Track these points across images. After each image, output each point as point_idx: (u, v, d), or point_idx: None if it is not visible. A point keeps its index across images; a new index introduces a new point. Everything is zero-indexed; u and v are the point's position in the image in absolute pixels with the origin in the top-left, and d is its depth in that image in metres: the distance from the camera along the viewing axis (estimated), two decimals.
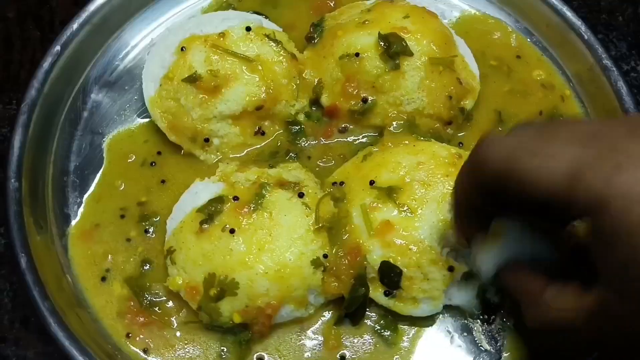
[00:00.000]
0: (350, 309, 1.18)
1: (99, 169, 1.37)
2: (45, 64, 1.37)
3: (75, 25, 1.41)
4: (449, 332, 1.23)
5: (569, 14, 1.47)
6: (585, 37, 1.44)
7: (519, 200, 0.82)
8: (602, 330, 0.82)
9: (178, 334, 1.21)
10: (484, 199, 0.90)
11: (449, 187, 1.19)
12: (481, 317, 1.23)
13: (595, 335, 0.83)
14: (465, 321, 1.23)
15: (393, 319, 1.22)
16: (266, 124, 1.38)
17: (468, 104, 1.40)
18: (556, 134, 0.80)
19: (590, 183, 0.73)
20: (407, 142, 1.30)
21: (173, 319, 1.22)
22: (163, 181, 1.35)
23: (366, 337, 1.21)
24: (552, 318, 0.87)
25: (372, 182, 1.22)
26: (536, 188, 0.78)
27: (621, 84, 1.39)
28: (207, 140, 1.35)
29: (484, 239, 1.01)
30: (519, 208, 0.87)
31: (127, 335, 1.21)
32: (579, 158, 0.75)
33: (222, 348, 1.20)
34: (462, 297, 1.20)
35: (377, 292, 1.19)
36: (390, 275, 1.15)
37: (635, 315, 0.76)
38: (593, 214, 0.74)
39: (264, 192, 1.20)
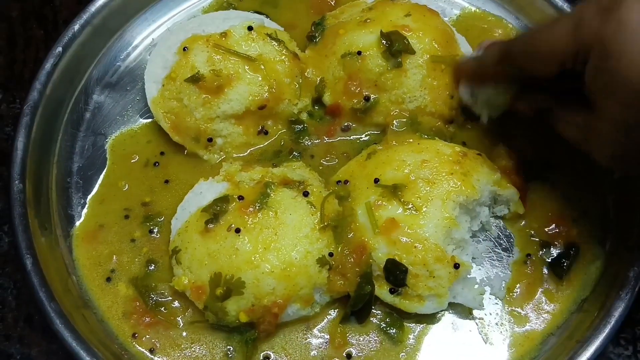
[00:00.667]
0: (356, 307, 1.19)
1: (102, 170, 1.38)
2: (47, 65, 1.37)
3: (76, 26, 1.41)
4: (454, 329, 1.23)
5: (569, 10, 1.47)
6: None
7: (539, 70, 1.06)
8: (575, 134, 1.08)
9: (184, 333, 1.21)
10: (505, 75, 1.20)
11: (454, 185, 1.19)
12: (486, 313, 1.24)
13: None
14: (471, 318, 1.24)
15: (399, 317, 1.22)
16: (269, 123, 1.38)
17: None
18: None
19: (589, 24, 0.93)
20: (411, 140, 1.31)
21: (179, 318, 1.22)
22: (167, 181, 1.35)
23: (372, 334, 1.22)
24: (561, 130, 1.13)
25: (376, 180, 1.22)
26: (550, 51, 1.01)
27: None
28: (210, 140, 1.35)
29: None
30: (542, 70, 1.07)
31: (134, 336, 1.21)
32: (577, 13, 0.96)
33: (228, 347, 1.20)
34: (467, 294, 1.21)
35: (382, 290, 1.19)
36: (396, 273, 1.16)
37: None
38: (592, 47, 0.93)
39: (268, 191, 1.20)
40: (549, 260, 1.27)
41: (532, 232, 1.30)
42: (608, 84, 0.93)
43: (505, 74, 1.19)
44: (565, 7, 1.47)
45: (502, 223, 1.32)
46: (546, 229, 1.30)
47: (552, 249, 1.28)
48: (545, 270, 1.27)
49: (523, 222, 1.31)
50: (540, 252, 1.28)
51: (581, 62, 0.97)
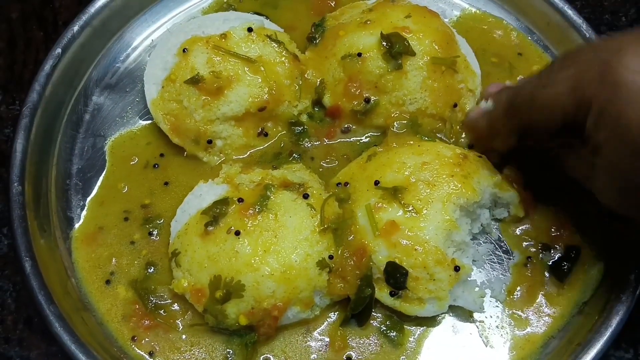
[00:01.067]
0: (356, 309, 1.18)
1: (102, 172, 1.37)
2: (46, 67, 1.36)
3: (75, 28, 1.41)
4: (454, 331, 1.23)
5: (569, 12, 1.47)
6: (587, 35, 1.44)
7: (541, 125, 1.09)
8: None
9: (184, 336, 1.21)
10: (511, 134, 1.20)
11: (454, 187, 1.19)
12: (487, 316, 1.23)
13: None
14: (471, 320, 1.23)
15: (399, 320, 1.22)
16: (269, 125, 1.38)
17: (469, 105, 1.40)
18: (551, 68, 1.08)
19: (588, 86, 0.97)
20: (411, 142, 1.30)
21: (178, 321, 1.22)
22: (166, 183, 1.35)
23: (372, 337, 1.21)
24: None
25: (376, 183, 1.22)
26: (552, 109, 1.04)
27: None
28: (210, 141, 1.35)
29: None
30: (545, 125, 1.09)
31: (133, 339, 1.20)
32: (573, 76, 1.00)
33: (228, 350, 1.20)
34: (468, 297, 1.20)
35: (382, 293, 1.19)
36: (396, 276, 1.15)
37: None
38: (591, 108, 0.97)
39: (268, 193, 1.20)
40: (550, 264, 1.26)
41: (531, 236, 1.30)
42: (608, 137, 0.97)
43: (513, 129, 1.19)
44: (565, 8, 1.47)
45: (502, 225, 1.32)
46: (549, 232, 1.29)
47: (552, 251, 1.27)
48: (546, 273, 1.26)
49: (524, 226, 1.31)
50: (541, 254, 1.27)
51: (582, 116, 1.00)
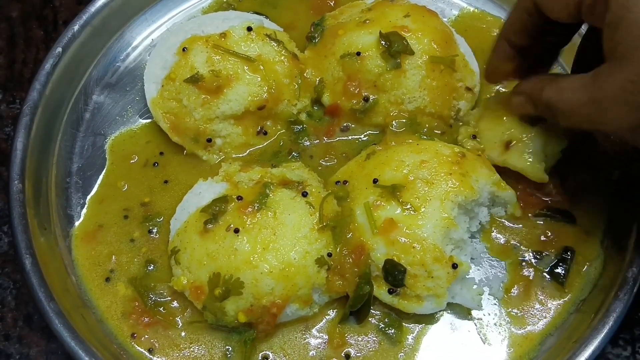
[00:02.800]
0: (354, 307, 1.19)
1: (102, 170, 1.38)
2: (47, 66, 1.37)
3: (76, 27, 1.42)
4: (452, 329, 1.23)
5: None
6: (584, 31, 1.44)
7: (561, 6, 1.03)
8: (601, 97, 0.98)
9: (183, 333, 1.21)
10: (530, 19, 1.12)
11: (452, 185, 1.19)
12: (485, 314, 1.24)
13: (580, 109, 1.02)
14: (469, 318, 1.24)
15: (397, 317, 1.22)
16: (268, 123, 1.39)
17: (468, 104, 1.41)
18: None
19: None
20: (410, 140, 1.31)
21: (178, 318, 1.22)
22: (166, 181, 1.36)
23: (371, 335, 1.22)
24: (566, 97, 1.05)
25: (375, 181, 1.22)
26: None
27: None
28: (209, 140, 1.35)
29: None
30: (560, 8, 1.05)
31: (132, 336, 1.21)
32: None
33: (227, 347, 1.20)
34: (466, 295, 1.21)
35: (381, 290, 1.19)
36: (395, 274, 1.16)
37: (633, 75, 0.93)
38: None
39: (267, 191, 1.20)
40: (547, 270, 1.27)
41: (523, 244, 1.29)
42: (622, 29, 0.92)
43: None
44: None
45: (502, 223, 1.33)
46: (538, 239, 1.29)
47: (545, 257, 1.28)
48: (543, 273, 1.27)
49: (513, 237, 1.31)
50: (534, 261, 1.28)
51: (597, 14, 0.97)
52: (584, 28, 1.18)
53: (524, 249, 1.28)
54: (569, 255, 1.27)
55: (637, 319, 1.28)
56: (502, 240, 1.29)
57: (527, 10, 1.11)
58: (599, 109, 0.99)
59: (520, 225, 1.31)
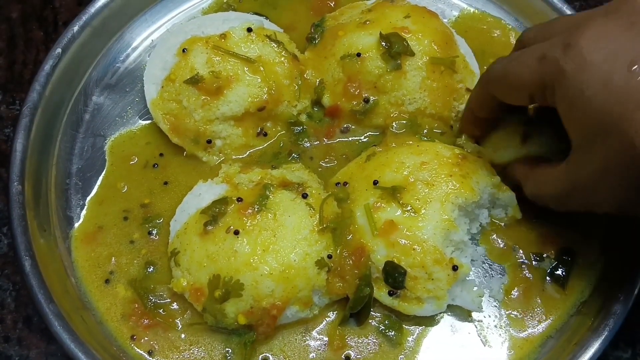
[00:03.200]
0: (355, 309, 1.18)
1: (102, 172, 1.37)
2: (47, 67, 1.37)
3: (75, 28, 1.41)
4: (453, 331, 1.23)
5: (568, 12, 1.47)
6: None
7: (514, 93, 1.10)
8: (578, 188, 1.04)
9: (183, 335, 1.21)
10: (491, 101, 1.18)
11: (453, 187, 1.19)
12: (485, 316, 1.23)
13: (575, 195, 1.06)
14: (470, 320, 1.23)
15: (397, 319, 1.22)
16: (268, 125, 1.39)
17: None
18: (526, 42, 1.13)
19: (551, 60, 0.98)
20: (410, 142, 1.30)
21: (178, 320, 1.22)
22: (166, 183, 1.35)
23: (371, 337, 1.22)
24: (542, 190, 1.13)
25: (375, 182, 1.22)
26: (521, 78, 1.05)
27: None
28: (209, 141, 1.35)
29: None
30: (515, 100, 1.12)
31: (132, 338, 1.21)
32: (541, 48, 1.02)
33: (227, 349, 1.20)
34: (466, 296, 1.21)
35: (381, 292, 1.19)
36: (395, 275, 1.16)
37: (594, 165, 0.98)
38: (557, 82, 0.98)
39: (267, 193, 1.20)
40: (547, 271, 1.26)
41: (521, 247, 1.29)
42: (579, 115, 0.97)
43: (486, 100, 1.21)
44: (564, 8, 1.47)
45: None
46: (537, 241, 1.29)
47: (545, 259, 1.27)
48: (543, 275, 1.26)
49: (512, 241, 1.30)
50: (534, 263, 1.27)
51: (551, 95, 1.01)
52: None
53: (523, 251, 1.28)
54: (569, 257, 1.26)
55: (637, 321, 1.28)
56: (501, 243, 1.29)
57: (488, 95, 1.18)
58: (584, 195, 1.04)
59: (520, 228, 1.30)
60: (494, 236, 1.30)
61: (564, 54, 0.96)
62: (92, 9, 1.43)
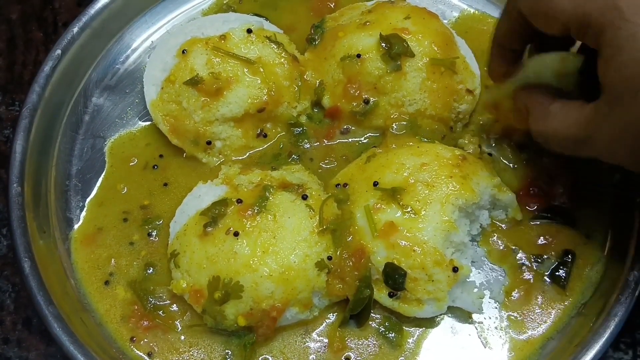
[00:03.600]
0: (354, 310, 1.18)
1: (101, 173, 1.38)
2: (46, 68, 1.37)
3: (75, 29, 1.41)
4: (453, 332, 1.23)
5: None
6: None
7: (548, 20, 1.00)
8: (597, 137, 0.97)
9: (182, 337, 1.21)
10: (522, 29, 1.08)
11: (453, 188, 1.19)
12: (485, 317, 1.23)
13: (591, 142, 0.99)
14: (470, 321, 1.23)
15: (398, 321, 1.22)
16: (268, 126, 1.38)
17: (469, 106, 1.40)
18: None
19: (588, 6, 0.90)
20: (411, 143, 1.30)
21: (177, 322, 1.22)
22: (165, 184, 1.35)
23: (371, 338, 1.21)
24: (556, 128, 1.03)
25: (375, 184, 1.22)
26: (560, 6, 0.95)
27: None
28: (209, 142, 1.35)
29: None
30: (548, 27, 1.02)
31: (132, 339, 1.21)
32: None
33: (226, 351, 1.20)
34: (467, 298, 1.20)
35: (381, 294, 1.19)
36: (395, 277, 1.15)
37: (627, 117, 0.91)
38: (606, 21, 0.89)
39: (267, 194, 1.20)
40: (547, 273, 1.26)
41: (521, 248, 1.29)
42: (626, 64, 0.89)
43: (517, 34, 1.11)
44: None
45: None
46: (537, 242, 1.28)
47: (546, 261, 1.27)
48: (546, 279, 1.26)
49: (511, 243, 1.29)
50: (535, 265, 1.27)
51: (593, 35, 0.93)
52: None
53: (523, 252, 1.28)
54: (569, 258, 1.26)
55: (638, 322, 1.27)
56: (501, 245, 1.29)
57: (516, 19, 1.08)
58: (604, 145, 0.98)
59: (520, 229, 1.29)
60: (494, 238, 1.29)
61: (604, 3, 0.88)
62: (92, 10, 1.43)
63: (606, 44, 0.91)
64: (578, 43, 1.11)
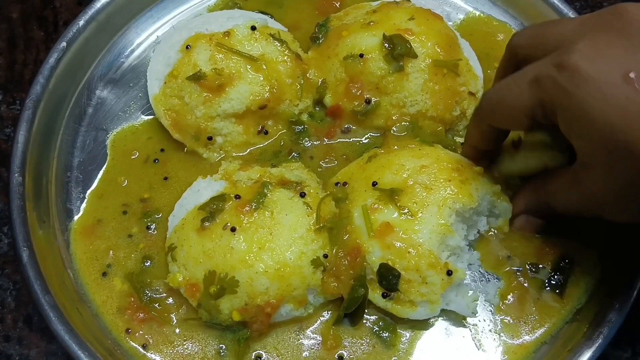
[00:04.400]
0: (349, 309, 1.18)
1: (103, 165, 1.38)
2: (51, 60, 1.38)
3: (81, 22, 1.42)
4: (447, 334, 1.23)
5: (572, 16, 1.47)
6: None
7: (512, 119, 1.09)
8: (577, 200, 1.07)
9: (177, 330, 1.22)
10: (491, 133, 1.18)
11: (451, 192, 1.19)
12: (480, 320, 1.23)
13: (574, 206, 1.09)
14: (464, 324, 1.23)
15: (392, 321, 1.22)
16: (269, 123, 1.39)
17: (470, 109, 1.40)
18: (517, 49, 1.14)
19: (547, 81, 0.97)
20: (413, 145, 1.30)
21: (173, 315, 1.23)
22: (166, 178, 1.36)
23: (365, 337, 1.21)
24: (553, 200, 1.14)
25: (374, 184, 1.22)
26: (518, 103, 1.04)
27: None
28: (210, 138, 1.35)
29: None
30: (514, 125, 1.13)
31: (127, 331, 1.21)
32: (534, 70, 1.00)
33: (220, 345, 1.20)
34: (461, 302, 1.20)
35: (375, 294, 1.19)
36: (389, 278, 1.15)
37: (595, 177, 1.00)
38: (556, 101, 0.97)
39: (265, 191, 1.20)
40: (544, 279, 1.26)
41: (518, 257, 1.28)
42: (582, 132, 0.96)
43: (484, 130, 1.19)
44: (570, 13, 1.47)
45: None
46: (534, 252, 1.28)
47: (542, 270, 1.26)
48: (540, 282, 1.26)
49: (506, 250, 1.29)
50: (530, 273, 1.26)
51: (552, 114, 0.99)
52: None
53: (519, 261, 1.27)
54: (566, 264, 1.26)
55: (638, 320, 1.27)
56: (496, 253, 1.28)
57: (486, 128, 1.17)
58: (594, 205, 1.05)
59: (516, 238, 1.29)
60: (490, 245, 1.29)
61: (559, 73, 0.95)
62: (98, 3, 1.44)
63: (563, 121, 0.98)
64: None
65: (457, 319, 1.23)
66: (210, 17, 1.47)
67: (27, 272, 1.18)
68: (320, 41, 1.43)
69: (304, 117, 1.40)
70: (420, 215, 1.17)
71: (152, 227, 1.31)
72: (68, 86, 1.42)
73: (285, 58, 1.37)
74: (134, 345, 1.20)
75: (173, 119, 1.36)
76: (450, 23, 1.50)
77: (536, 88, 0.99)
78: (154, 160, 1.38)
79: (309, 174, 1.32)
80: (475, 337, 1.22)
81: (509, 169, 1.26)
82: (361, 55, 1.34)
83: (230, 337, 1.20)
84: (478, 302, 1.23)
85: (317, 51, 1.43)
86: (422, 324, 1.22)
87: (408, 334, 1.22)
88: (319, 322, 1.23)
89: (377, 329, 1.22)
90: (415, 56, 1.33)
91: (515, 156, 1.24)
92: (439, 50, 1.35)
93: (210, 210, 1.19)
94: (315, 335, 1.22)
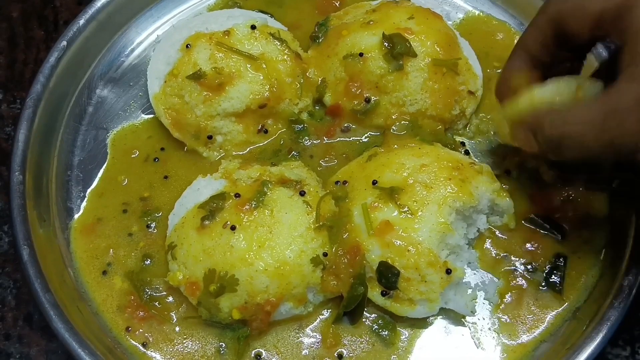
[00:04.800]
0: (348, 307, 1.19)
1: (103, 164, 1.39)
2: (52, 59, 1.38)
3: (81, 21, 1.42)
4: (446, 332, 1.23)
5: None
6: None
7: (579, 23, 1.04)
8: (607, 134, 0.96)
9: (177, 328, 1.22)
10: (549, 37, 1.11)
11: (451, 191, 1.19)
12: (479, 318, 1.23)
13: (601, 141, 0.97)
14: (463, 322, 1.23)
15: (391, 319, 1.22)
16: (269, 122, 1.39)
17: (470, 108, 1.41)
18: None
19: None
20: (412, 144, 1.30)
21: (172, 313, 1.23)
22: (166, 177, 1.36)
23: (364, 336, 1.22)
24: (578, 124, 0.99)
25: (374, 182, 1.22)
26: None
27: None
28: (210, 137, 1.36)
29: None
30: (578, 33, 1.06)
31: (127, 329, 1.22)
32: None
33: (220, 344, 1.21)
34: (459, 300, 1.20)
35: (374, 292, 1.19)
36: (388, 276, 1.16)
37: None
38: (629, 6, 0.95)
39: (265, 189, 1.21)
40: (542, 277, 1.26)
41: (513, 254, 1.28)
42: None
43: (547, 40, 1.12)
44: None
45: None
46: (526, 249, 1.28)
47: (537, 267, 1.27)
48: (538, 281, 1.26)
49: (502, 252, 1.29)
50: (529, 271, 1.27)
51: (620, 18, 0.97)
52: None
53: (517, 259, 1.27)
54: (561, 262, 1.26)
55: (636, 319, 1.27)
56: (494, 252, 1.28)
57: (546, 27, 1.11)
58: (614, 123, 0.95)
59: (514, 236, 1.29)
60: (488, 244, 1.29)
61: None
62: (99, 2, 1.44)
63: (631, 25, 0.95)
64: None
65: (457, 318, 1.24)
66: (210, 16, 1.47)
67: (28, 270, 1.18)
68: (320, 40, 1.44)
69: (304, 116, 1.41)
70: (420, 213, 1.17)
71: (152, 225, 1.31)
72: (68, 85, 1.43)
73: (285, 57, 1.37)
74: (134, 343, 1.21)
75: (173, 118, 1.37)
76: (449, 22, 1.50)
77: None
78: (154, 159, 1.38)
79: (309, 173, 1.32)
80: (475, 336, 1.22)
81: (535, 99, 1.11)
82: (361, 55, 1.34)
83: (230, 335, 1.20)
84: (477, 300, 1.23)
85: (317, 50, 1.43)
86: (422, 322, 1.23)
87: (407, 333, 1.22)
88: (318, 320, 1.23)
89: (376, 327, 1.22)
90: (414, 55, 1.33)
91: (545, 83, 1.12)
92: (438, 49, 1.35)
93: (210, 208, 1.20)
94: (314, 334, 1.22)
